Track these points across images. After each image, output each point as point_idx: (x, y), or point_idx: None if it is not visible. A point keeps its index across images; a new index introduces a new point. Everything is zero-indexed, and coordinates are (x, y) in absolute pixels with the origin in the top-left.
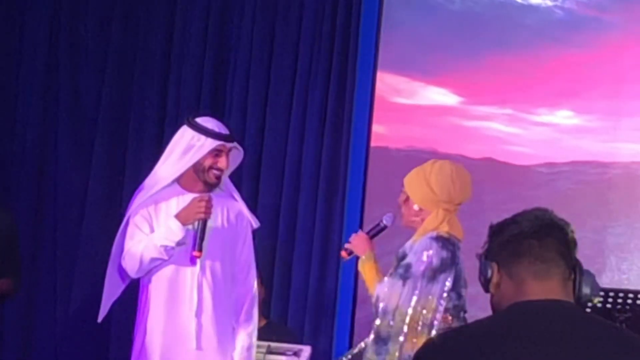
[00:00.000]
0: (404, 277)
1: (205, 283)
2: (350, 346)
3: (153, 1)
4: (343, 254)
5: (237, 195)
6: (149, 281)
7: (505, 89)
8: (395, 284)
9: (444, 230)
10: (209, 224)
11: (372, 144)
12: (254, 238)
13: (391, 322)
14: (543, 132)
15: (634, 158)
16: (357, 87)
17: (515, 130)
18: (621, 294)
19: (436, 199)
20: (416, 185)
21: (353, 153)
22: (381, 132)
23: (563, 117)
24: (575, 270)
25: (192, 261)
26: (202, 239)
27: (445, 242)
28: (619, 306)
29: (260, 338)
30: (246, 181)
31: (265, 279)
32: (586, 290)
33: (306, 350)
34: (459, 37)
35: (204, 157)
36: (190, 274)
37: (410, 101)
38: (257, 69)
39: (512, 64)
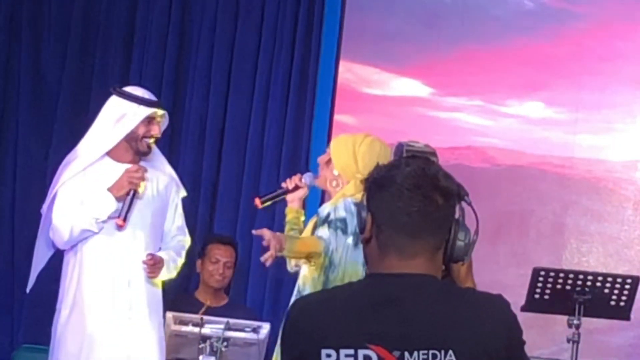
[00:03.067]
0: (343, 230)
1: (135, 253)
2: None
3: None
4: (257, 202)
5: (166, 164)
6: (77, 251)
7: (475, 80)
8: (340, 237)
9: (359, 199)
10: (140, 194)
11: (340, 134)
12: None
13: (339, 275)
14: (512, 123)
15: (596, 147)
16: (319, 75)
17: (484, 121)
18: (580, 276)
19: (357, 171)
20: (342, 152)
21: (315, 141)
22: (350, 123)
23: (532, 108)
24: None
25: (118, 230)
26: (129, 209)
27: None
28: (578, 288)
29: (222, 315)
30: (208, 160)
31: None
32: (456, 255)
33: (265, 327)
34: (430, 29)
35: (137, 126)
36: (120, 244)
37: (381, 92)
38: (220, 46)
39: (482, 55)
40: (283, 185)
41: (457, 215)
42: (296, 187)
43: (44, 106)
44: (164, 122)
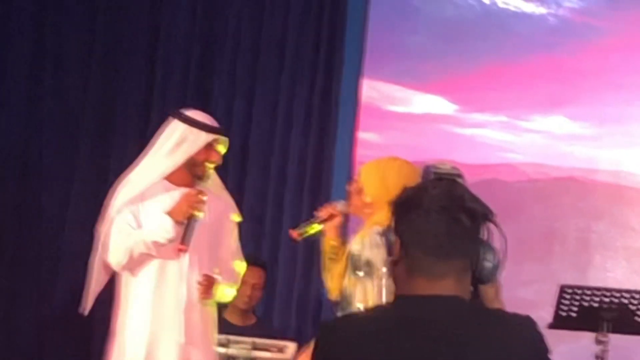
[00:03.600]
0: (369, 274)
1: (193, 277)
2: None
3: None
4: (294, 234)
5: (223, 189)
6: (134, 275)
7: (498, 96)
8: (367, 286)
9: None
10: (199, 217)
11: (365, 152)
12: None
13: None
14: (536, 138)
15: (620, 162)
16: (341, 94)
17: (508, 137)
18: (607, 293)
19: (389, 196)
20: (372, 179)
21: (338, 158)
22: (375, 141)
23: (556, 123)
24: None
25: (179, 255)
26: (190, 233)
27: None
28: (604, 305)
29: (248, 335)
30: (232, 178)
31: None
32: (484, 277)
33: (291, 346)
34: (453, 45)
35: (198, 152)
36: (177, 268)
37: (404, 109)
38: (242, 65)
39: (505, 71)
40: (317, 214)
41: (484, 236)
42: (331, 216)
43: (69, 128)
44: (224, 148)
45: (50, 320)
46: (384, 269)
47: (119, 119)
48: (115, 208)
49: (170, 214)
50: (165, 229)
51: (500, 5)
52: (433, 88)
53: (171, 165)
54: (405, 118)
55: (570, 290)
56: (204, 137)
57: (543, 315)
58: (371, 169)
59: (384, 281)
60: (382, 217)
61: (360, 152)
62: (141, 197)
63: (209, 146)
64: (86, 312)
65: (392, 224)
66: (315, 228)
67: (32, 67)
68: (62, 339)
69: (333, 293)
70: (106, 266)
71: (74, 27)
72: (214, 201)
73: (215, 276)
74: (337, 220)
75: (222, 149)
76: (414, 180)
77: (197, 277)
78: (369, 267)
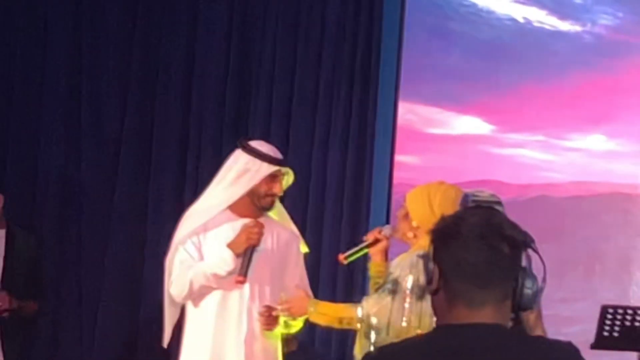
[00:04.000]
0: (393, 292)
1: (254, 309)
2: None
3: (174, 21)
4: (341, 258)
5: (289, 220)
6: (196, 306)
7: (536, 115)
8: (384, 299)
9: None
10: (258, 248)
11: (403, 175)
12: None
13: (386, 337)
14: (575, 157)
15: None
16: (378, 116)
17: (547, 156)
18: None
19: (435, 220)
20: (419, 204)
21: (376, 182)
22: (413, 163)
23: (594, 141)
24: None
25: (238, 286)
26: (248, 265)
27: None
28: None
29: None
30: None
31: None
32: (524, 304)
33: None
34: (489, 66)
35: (260, 183)
36: (238, 299)
37: (442, 131)
38: (279, 87)
39: (542, 90)
40: (364, 238)
41: (523, 263)
42: (376, 240)
43: (106, 156)
44: (289, 179)
45: (93, 345)
46: (409, 289)
47: (157, 143)
48: (178, 239)
49: (229, 246)
50: (225, 262)
51: (536, 24)
52: (470, 109)
53: (233, 196)
54: (443, 140)
55: (612, 310)
56: (266, 169)
57: (586, 337)
58: (417, 194)
59: (407, 301)
60: (427, 241)
61: (398, 175)
62: (204, 228)
63: (272, 177)
64: (165, 345)
65: (431, 253)
66: (361, 252)
67: (70, 94)
68: None
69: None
70: (172, 298)
71: (111, 49)
72: (279, 231)
73: (279, 306)
74: (383, 245)
75: (288, 180)
76: (460, 203)
77: (258, 308)
78: (395, 285)
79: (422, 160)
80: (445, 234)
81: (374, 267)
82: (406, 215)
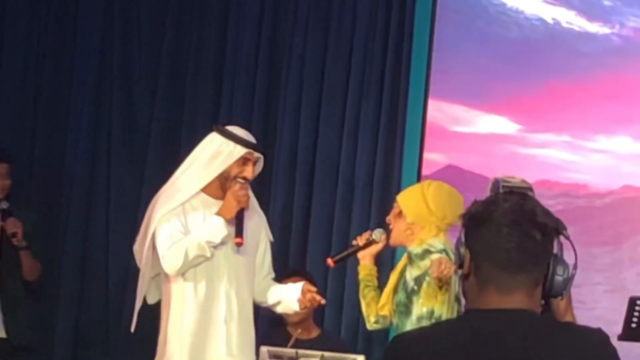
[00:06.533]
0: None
1: (233, 292)
2: None
3: (205, 13)
4: (329, 261)
5: (257, 205)
6: (174, 290)
7: (563, 116)
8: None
9: (440, 242)
10: (246, 209)
11: (430, 172)
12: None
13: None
14: (600, 158)
15: None
16: (408, 114)
17: (573, 157)
18: None
19: (430, 214)
20: (412, 200)
21: (405, 178)
22: (440, 161)
23: (620, 143)
24: (549, 265)
25: (239, 248)
26: (241, 225)
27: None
28: None
29: (314, 348)
30: (299, 194)
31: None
32: (555, 290)
33: (359, 358)
34: (517, 65)
35: (232, 165)
36: (222, 282)
37: (468, 130)
38: (309, 81)
39: (569, 91)
40: (354, 242)
41: (555, 250)
42: (368, 243)
43: (136, 144)
44: (259, 166)
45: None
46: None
47: (185, 135)
48: (158, 217)
49: (220, 214)
50: (218, 229)
51: (564, 25)
52: (497, 108)
53: (206, 178)
54: (470, 138)
55: None
56: (238, 151)
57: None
58: (410, 191)
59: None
60: (426, 234)
61: (425, 173)
62: (182, 210)
63: (243, 161)
64: (133, 329)
65: (462, 237)
66: (351, 254)
67: (101, 84)
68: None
69: (370, 319)
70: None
71: (141, 46)
72: (250, 215)
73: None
74: (375, 248)
75: (258, 167)
76: (455, 198)
77: (236, 291)
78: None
79: (447, 158)
80: (478, 219)
81: (364, 270)
82: (399, 214)
